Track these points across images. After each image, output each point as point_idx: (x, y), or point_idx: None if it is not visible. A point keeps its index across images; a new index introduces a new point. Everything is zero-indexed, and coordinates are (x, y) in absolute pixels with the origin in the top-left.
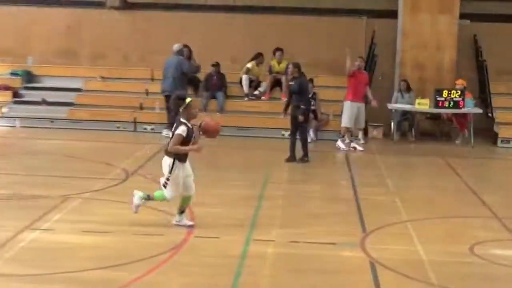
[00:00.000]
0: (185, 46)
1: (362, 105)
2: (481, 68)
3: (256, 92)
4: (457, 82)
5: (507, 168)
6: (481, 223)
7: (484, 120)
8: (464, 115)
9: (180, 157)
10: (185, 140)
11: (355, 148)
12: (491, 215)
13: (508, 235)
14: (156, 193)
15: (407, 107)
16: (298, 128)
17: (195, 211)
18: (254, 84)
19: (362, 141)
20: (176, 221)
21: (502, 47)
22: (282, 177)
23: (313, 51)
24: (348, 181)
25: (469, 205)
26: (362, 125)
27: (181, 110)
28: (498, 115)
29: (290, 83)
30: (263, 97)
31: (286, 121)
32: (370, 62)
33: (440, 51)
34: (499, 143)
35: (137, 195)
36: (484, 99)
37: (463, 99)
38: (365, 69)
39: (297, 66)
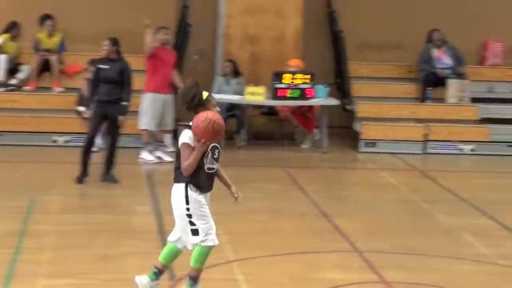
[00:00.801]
0: None
1: (169, 98)
2: (337, 42)
3: (14, 81)
4: (290, 63)
5: (371, 181)
6: (335, 260)
7: (341, 115)
8: (310, 109)
9: (197, 184)
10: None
11: (160, 158)
12: (349, 249)
13: (372, 276)
14: (194, 260)
15: (235, 98)
16: (97, 132)
17: None
18: (9, 67)
19: (170, 149)
20: None
21: (365, 13)
22: (54, 204)
23: (97, 19)
24: (149, 207)
25: (319, 235)
26: (170, 125)
27: (193, 108)
28: (360, 108)
29: (102, 66)
30: (27, 87)
31: (59, 123)
32: (180, 35)
33: (281, 17)
34: (361, 147)
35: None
36: (341, 85)
37: (313, 86)
38: (176, 46)
39: (116, 43)
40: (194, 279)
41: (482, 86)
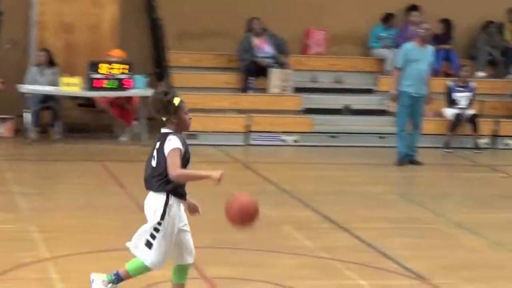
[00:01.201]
0: None
1: None
2: (155, 31)
3: None
4: (112, 53)
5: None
6: None
7: None
8: (129, 100)
9: (179, 192)
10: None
11: None
12: None
13: (192, 272)
14: (131, 265)
15: (49, 89)
16: None
17: None
18: None
19: None
20: None
21: (185, 1)
22: None
23: None
24: None
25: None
26: None
27: (165, 116)
28: None
29: None
30: None
31: None
32: None
33: (97, 5)
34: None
35: (97, 281)
36: (160, 75)
37: (131, 77)
38: None
39: None
40: (119, 278)
41: (305, 76)
